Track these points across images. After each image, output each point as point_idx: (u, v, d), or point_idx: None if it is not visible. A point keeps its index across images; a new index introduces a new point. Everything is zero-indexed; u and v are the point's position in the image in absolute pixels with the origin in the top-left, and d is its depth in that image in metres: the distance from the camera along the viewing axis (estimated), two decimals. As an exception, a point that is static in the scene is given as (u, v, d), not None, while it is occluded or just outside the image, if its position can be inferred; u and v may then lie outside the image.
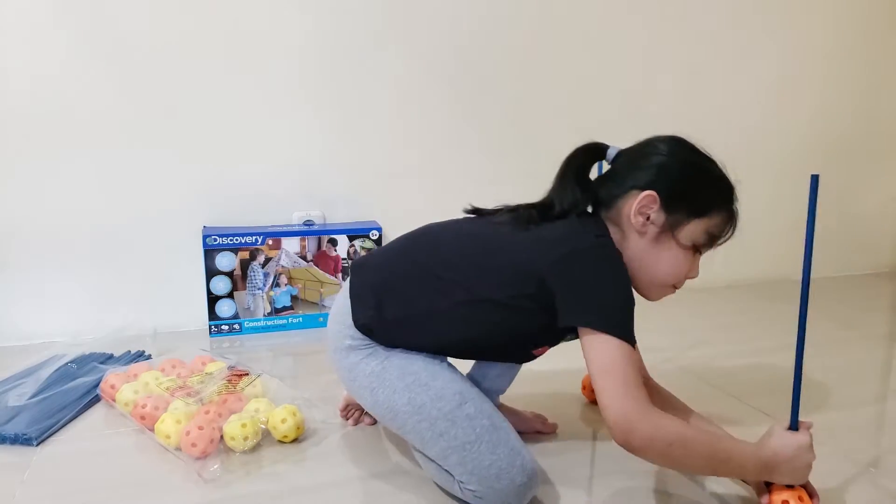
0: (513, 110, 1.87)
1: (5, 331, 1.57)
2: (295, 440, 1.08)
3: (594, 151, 0.98)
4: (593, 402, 1.24)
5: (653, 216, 0.91)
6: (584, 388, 1.25)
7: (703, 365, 1.44)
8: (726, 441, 0.87)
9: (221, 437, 1.04)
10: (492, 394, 1.09)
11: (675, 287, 0.97)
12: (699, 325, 1.75)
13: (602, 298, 0.86)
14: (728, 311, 1.89)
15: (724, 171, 0.98)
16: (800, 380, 0.83)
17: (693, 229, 0.93)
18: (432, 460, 0.90)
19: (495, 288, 0.90)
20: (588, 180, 0.97)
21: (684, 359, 1.48)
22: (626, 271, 0.90)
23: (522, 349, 1.00)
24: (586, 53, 1.91)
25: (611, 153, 0.97)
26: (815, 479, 0.95)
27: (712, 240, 0.95)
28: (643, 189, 0.90)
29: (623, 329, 0.84)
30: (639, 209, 0.91)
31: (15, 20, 1.47)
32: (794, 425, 0.84)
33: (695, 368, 1.42)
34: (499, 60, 1.83)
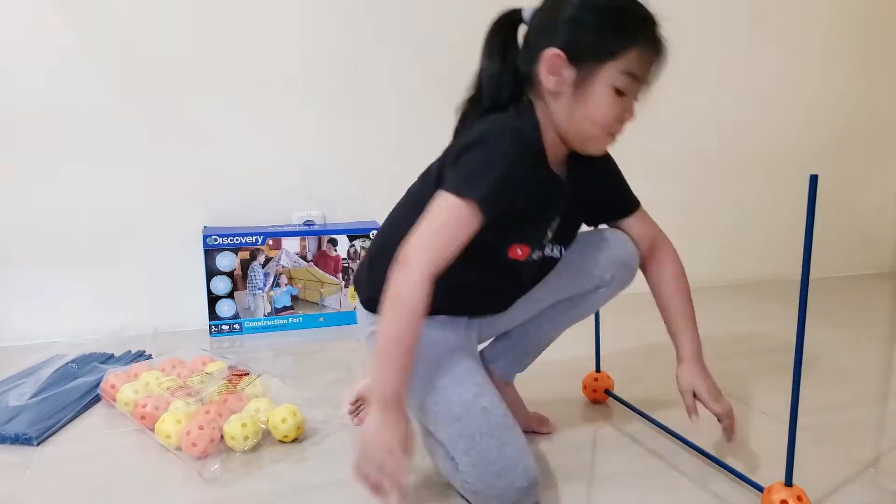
0: (513, 110, 1.87)
1: (5, 331, 1.57)
2: (295, 440, 1.08)
3: (513, 19, 0.95)
4: (594, 401, 1.24)
5: (565, 74, 0.88)
6: (584, 387, 1.25)
7: (703, 365, 1.44)
8: (395, 355, 0.82)
9: (222, 436, 1.04)
10: (508, 374, 1.12)
11: (611, 134, 0.93)
12: (699, 324, 1.74)
13: (467, 168, 0.86)
14: (728, 311, 1.89)
15: (639, 4, 0.90)
16: (798, 380, 0.83)
17: (607, 74, 0.88)
18: (442, 445, 0.90)
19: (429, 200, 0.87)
20: (513, 54, 0.95)
21: (684, 359, 1.48)
22: (522, 159, 0.87)
23: (493, 255, 0.94)
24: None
25: (526, 15, 0.93)
26: (815, 479, 0.95)
27: (636, 79, 0.90)
28: (550, 48, 0.88)
29: (468, 189, 0.82)
30: (548, 71, 0.89)
31: (16, 21, 1.47)
32: (793, 429, 0.84)
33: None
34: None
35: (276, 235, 1.65)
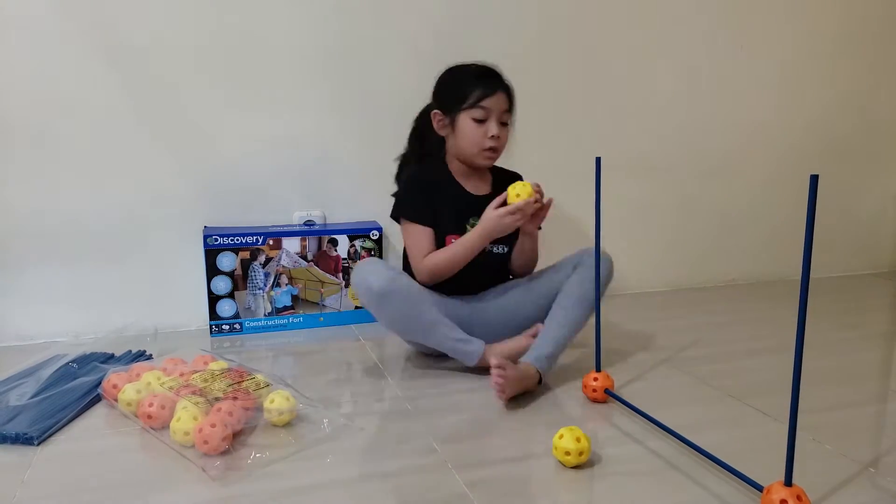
0: (513, 110, 1.87)
1: (5, 331, 1.57)
2: (289, 423, 1.12)
3: (425, 110, 1.49)
4: (594, 400, 1.24)
5: (445, 122, 1.41)
6: (584, 387, 1.25)
7: (702, 365, 1.44)
8: (459, 241, 1.36)
9: (233, 434, 1.05)
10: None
11: (485, 150, 1.38)
12: (699, 324, 1.75)
13: (397, 197, 1.47)
14: (727, 311, 1.90)
15: (467, 67, 1.41)
16: (798, 380, 0.83)
17: (465, 115, 1.37)
18: None
19: None
20: (422, 135, 1.50)
21: (684, 358, 1.48)
22: (419, 180, 1.43)
23: (442, 244, 1.41)
24: (586, 54, 1.91)
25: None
26: (815, 479, 0.95)
27: (486, 112, 1.36)
28: (434, 110, 1.42)
29: (402, 212, 1.43)
30: (436, 124, 1.43)
31: (16, 21, 1.47)
32: (793, 426, 0.84)
33: (694, 368, 1.42)
34: (499, 62, 1.82)
35: (277, 235, 1.65)
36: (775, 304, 1.94)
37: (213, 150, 1.65)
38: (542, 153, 1.91)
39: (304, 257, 1.68)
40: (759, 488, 0.89)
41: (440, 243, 1.41)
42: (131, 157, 1.59)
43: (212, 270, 1.61)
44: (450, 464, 1.01)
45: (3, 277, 1.55)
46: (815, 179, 0.78)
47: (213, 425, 1.01)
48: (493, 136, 1.36)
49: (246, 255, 1.63)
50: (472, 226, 1.39)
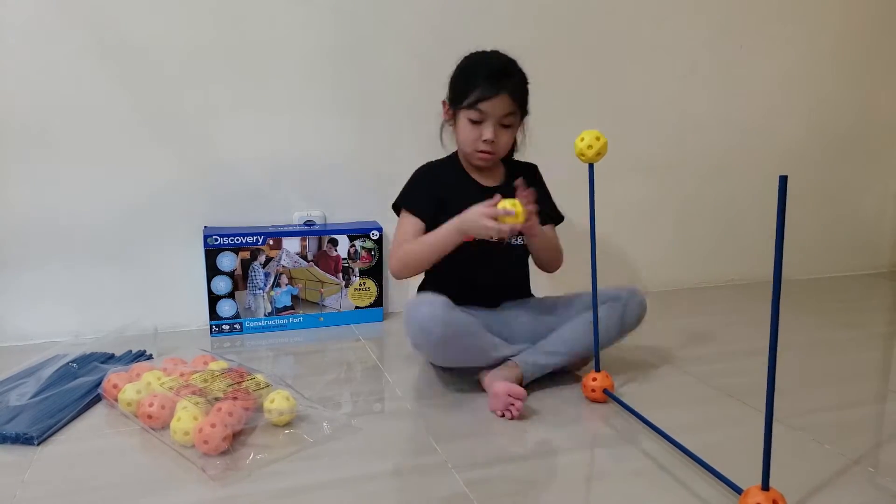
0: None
1: (5, 331, 1.57)
2: (289, 423, 1.12)
3: None
4: (594, 401, 1.24)
5: (449, 115, 1.39)
6: (584, 387, 1.25)
7: (702, 365, 1.44)
8: (431, 233, 1.30)
9: (233, 434, 1.05)
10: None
11: (478, 151, 1.34)
12: (699, 324, 1.75)
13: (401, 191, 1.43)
14: (727, 311, 1.90)
15: (481, 64, 1.34)
16: (773, 382, 0.83)
17: (464, 113, 1.33)
18: None
19: None
20: None
21: (684, 358, 1.48)
22: (426, 172, 1.43)
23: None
24: (587, 54, 1.91)
25: None
26: (814, 479, 0.95)
27: (482, 115, 1.30)
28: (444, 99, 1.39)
29: (399, 201, 1.41)
30: (444, 115, 1.41)
31: (16, 21, 1.47)
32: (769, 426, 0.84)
33: (694, 368, 1.42)
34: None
35: (277, 235, 1.65)
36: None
37: (214, 150, 1.65)
38: (542, 153, 1.91)
39: (304, 257, 1.68)
40: (739, 491, 0.88)
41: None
42: (131, 156, 1.59)
43: (212, 270, 1.61)
44: (450, 464, 1.01)
45: (3, 277, 1.55)
46: (784, 181, 0.78)
47: (213, 425, 1.01)
48: (486, 140, 1.31)
49: (246, 255, 1.63)
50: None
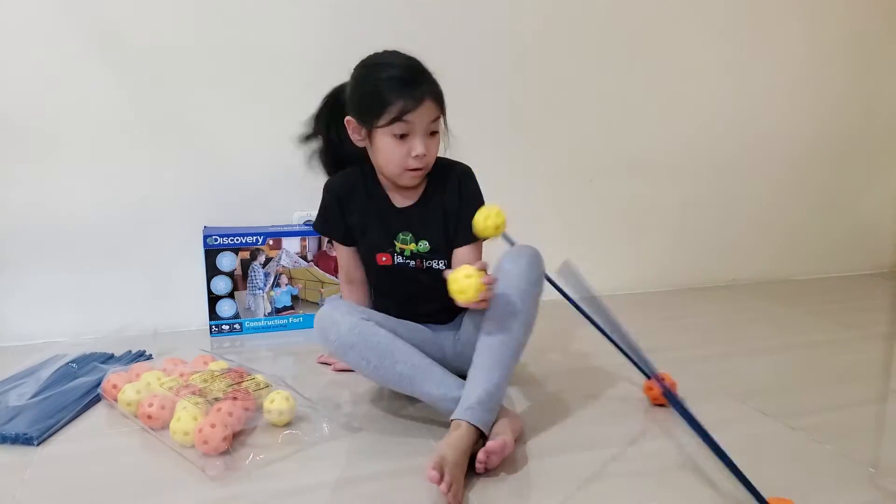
0: (513, 111, 1.87)
1: (5, 331, 1.57)
2: (288, 424, 1.12)
3: (336, 92, 1.26)
4: (657, 405, 1.23)
5: (361, 133, 1.17)
6: (647, 389, 1.24)
7: (702, 365, 1.44)
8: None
9: (233, 434, 1.05)
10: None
11: (409, 169, 1.15)
12: (699, 324, 1.75)
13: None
14: (728, 311, 1.89)
15: (386, 67, 1.13)
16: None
17: (385, 130, 1.12)
18: None
19: None
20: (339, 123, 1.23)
21: (684, 358, 1.48)
22: (331, 199, 1.25)
23: (373, 265, 1.25)
24: (589, 54, 1.91)
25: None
26: (814, 479, 0.95)
27: (409, 127, 1.11)
28: (348, 115, 1.18)
29: (316, 227, 1.30)
30: (352, 134, 1.18)
31: (17, 21, 1.47)
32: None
33: (695, 368, 1.42)
34: (499, 63, 1.83)
35: (277, 235, 1.65)
36: (775, 304, 1.94)
37: (214, 150, 1.64)
38: (542, 153, 1.91)
39: (304, 257, 1.68)
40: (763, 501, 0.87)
41: (370, 261, 1.25)
42: (131, 157, 1.59)
43: (212, 270, 1.61)
44: (450, 464, 1.01)
45: (3, 277, 1.55)
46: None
47: (212, 425, 1.01)
48: (416, 156, 1.13)
49: (246, 255, 1.63)
50: (402, 241, 1.22)
